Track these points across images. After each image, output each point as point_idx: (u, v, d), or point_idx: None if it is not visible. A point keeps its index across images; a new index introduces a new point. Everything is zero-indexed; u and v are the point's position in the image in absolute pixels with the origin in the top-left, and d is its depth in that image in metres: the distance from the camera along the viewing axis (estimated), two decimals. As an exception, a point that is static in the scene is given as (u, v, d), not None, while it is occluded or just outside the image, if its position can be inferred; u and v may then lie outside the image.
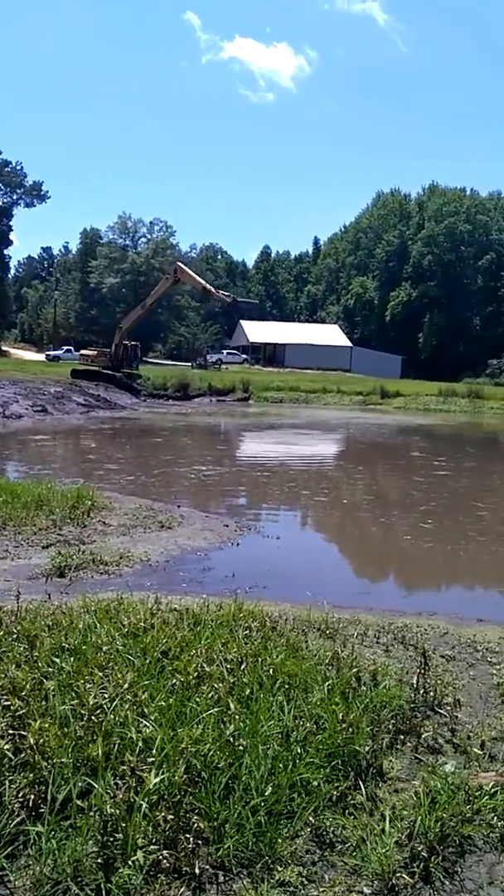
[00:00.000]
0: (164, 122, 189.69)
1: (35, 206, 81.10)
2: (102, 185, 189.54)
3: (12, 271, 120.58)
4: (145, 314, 49.35)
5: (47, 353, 74.05)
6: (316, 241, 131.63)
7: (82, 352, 50.86)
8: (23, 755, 3.27)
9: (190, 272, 47.70)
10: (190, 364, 66.31)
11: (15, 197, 79.11)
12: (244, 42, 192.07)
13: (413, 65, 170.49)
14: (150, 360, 75.28)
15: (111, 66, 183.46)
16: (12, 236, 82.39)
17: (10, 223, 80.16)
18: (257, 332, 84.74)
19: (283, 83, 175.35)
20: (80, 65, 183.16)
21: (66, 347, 73.70)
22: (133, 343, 47.41)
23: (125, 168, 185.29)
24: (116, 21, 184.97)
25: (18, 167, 78.18)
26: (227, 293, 47.11)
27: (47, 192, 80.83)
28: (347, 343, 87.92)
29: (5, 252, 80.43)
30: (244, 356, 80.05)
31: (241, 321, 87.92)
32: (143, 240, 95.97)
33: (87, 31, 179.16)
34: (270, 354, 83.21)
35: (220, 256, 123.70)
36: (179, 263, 50.74)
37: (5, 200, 78.65)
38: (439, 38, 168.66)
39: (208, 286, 45.62)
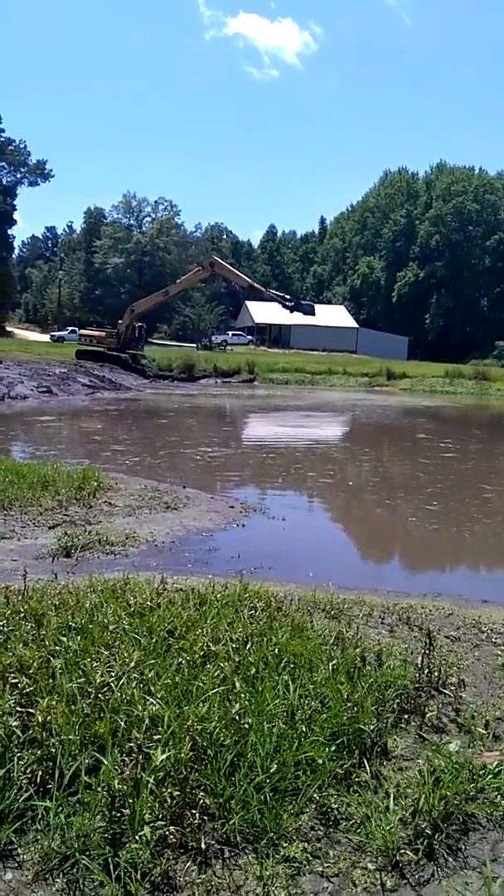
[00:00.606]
0: (168, 101, 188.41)
1: (39, 184, 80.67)
2: (106, 165, 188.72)
3: (16, 251, 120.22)
4: (164, 301, 47.69)
5: (52, 333, 73.99)
6: (322, 221, 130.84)
7: (81, 331, 50.69)
8: (31, 732, 3.30)
9: (229, 267, 45.69)
10: (195, 345, 66.22)
11: (19, 176, 78.63)
12: (248, 18, 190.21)
13: (420, 41, 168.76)
14: (155, 341, 75.16)
15: (114, 44, 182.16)
16: (16, 216, 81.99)
17: (14, 202, 79.74)
18: (262, 312, 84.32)
19: (288, 60, 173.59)
20: (83, 43, 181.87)
21: (70, 328, 73.55)
22: (139, 324, 47.24)
23: (129, 147, 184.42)
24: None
25: (22, 145, 77.68)
26: (285, 295, 43.24)
27: (51, 170, 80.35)
28: (353, 324, 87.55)
29: (9, 232, 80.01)
30: (249, 337, 79.88)
31: (247, 301, 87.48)
32: (148, 219, 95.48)
33: (89, 8, 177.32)
34: (276, 335, 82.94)
35: (225, 236, 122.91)
36: (216, 258, 48.15)
37: (9, 179, 78.17)
38: (446, 14, 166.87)
39: (256, 284, 43.13)
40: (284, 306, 40.44)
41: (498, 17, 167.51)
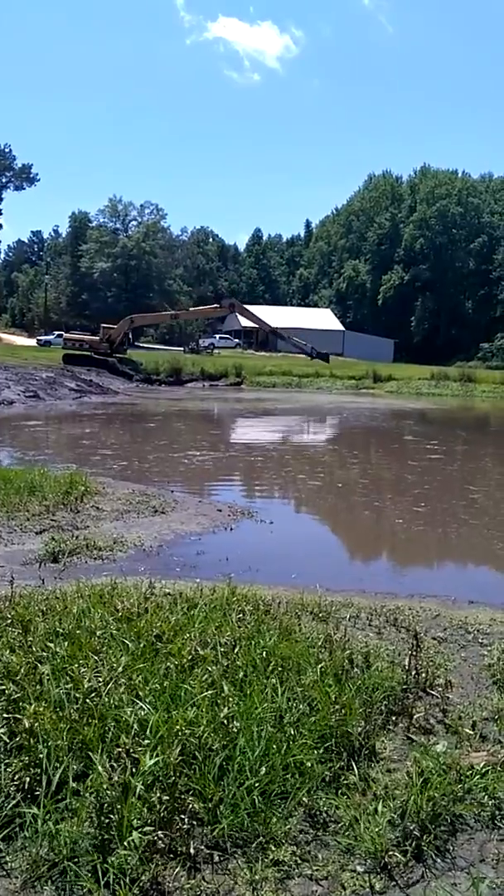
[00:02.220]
0: (151, 106, 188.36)
1: (24, 188, 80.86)
2: (92, 169, 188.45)
3: (2, 255, 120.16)
4: (169, 321, 50.18)
5: (38, 338, 73.54)
6: (308, 225, 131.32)
7: (67, 335, 50.55)
8: (18, 739, 3.29)
9: (250, 311, 48.30)
10: (182, 349, 66.10)
11: (4, 180, 78.46)
12: (228, 21, 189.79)
13: (401, 46, 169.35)
14: (142, 344, 74.99)
15: (96, 50, 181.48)
16: (1, 220, 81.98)
17: (0, 206, 79.43)
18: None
19: (269, 64, 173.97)
20: (65, 48, 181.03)
21: (57, 332, 73.20)
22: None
23: (114, 151, 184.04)
24: (99, 3, 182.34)
25: (7, 150, 77.54)
26: (307, 344, 46.14)
27: (37, 174, 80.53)
28: (340, 327, 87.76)
29: (-5, 236, 79.67)
30: (236, 341, 79.79)
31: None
32: (134, 223, 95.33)
33: (70, 13, 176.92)
34: (263, 339, 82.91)
35: (211, 240, 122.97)
36: (236, 301, 51.96)
37: (-5, 184, 77.93)
38: (425, 19, 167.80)
39: (278, 329, 46.31)
40: (306, 353, 45.19)
41: (476, 23, 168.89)
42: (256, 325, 67.87)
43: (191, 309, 51.15)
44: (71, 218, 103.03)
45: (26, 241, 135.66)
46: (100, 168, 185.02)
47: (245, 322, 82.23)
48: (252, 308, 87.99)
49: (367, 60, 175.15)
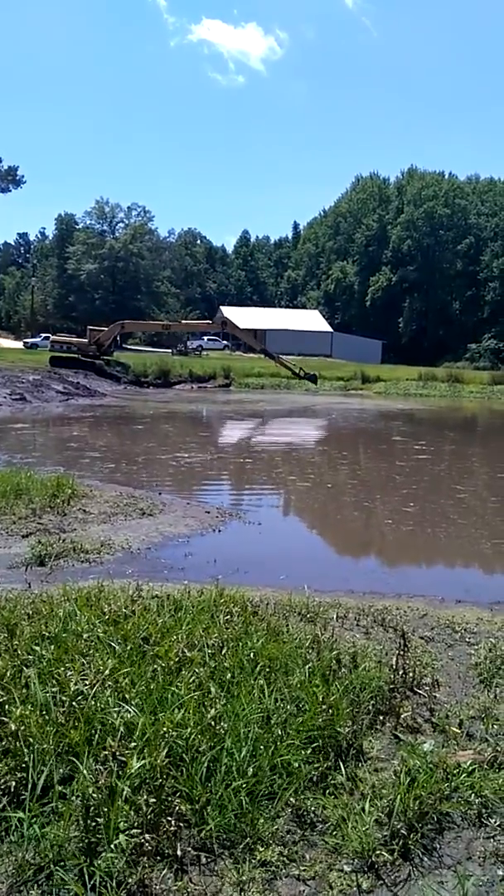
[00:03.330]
0: (136, 107, 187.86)
1: (10, 191, 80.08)
2: (79, 171, 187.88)
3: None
4: (160, 331, 51.35)
5: (25, 340, 73.25)
6: (296, 226, 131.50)
7: (54, 337, 50.41)
8: (4, 742, 3.28)
9: (241, 329, 49.24)
10: (170, 351, 65.91)
11: (-10, 182, 77.98)
12: (212, 24, 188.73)
13: (385, 48, 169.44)
14: (130, 346, 74.85)
15: (80, 51, 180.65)
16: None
17: (-14, 209, 78.96)
18: (237, 317, 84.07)
19: (253, 65, 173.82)
20: (48, 50, 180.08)
21: (44, 335, 72.91)
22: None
23: (100, 153, 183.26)
24: (83, 6, 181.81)
25: (-7, 152, 77.02)
26: (295, 365, 46.95)
27: (22, 176, 79.78)
28: (328, 328, 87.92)
29: (-19, 238, 79.22)
30: (224, 342, 79.76)
31: (222, 307, 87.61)
32: (121, 225, 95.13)
33: (53, 15, 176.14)
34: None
35: (199, 242, 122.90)
36: (229, 319, 53.50)
37: (-20, 186, 77.50)
38: (410, 21, 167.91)
39: (267, 350, 46.90)
40: (294, 374, 45.67)
41: (459, 25, 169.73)
42: (245, 328, 68.34)
43: (182, 321, 52.23)
44: (57, 220, 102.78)
45: (13, 243, 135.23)
46: (86, 170, 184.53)
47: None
48: (240, 310, 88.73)
49: (353, 62, 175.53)
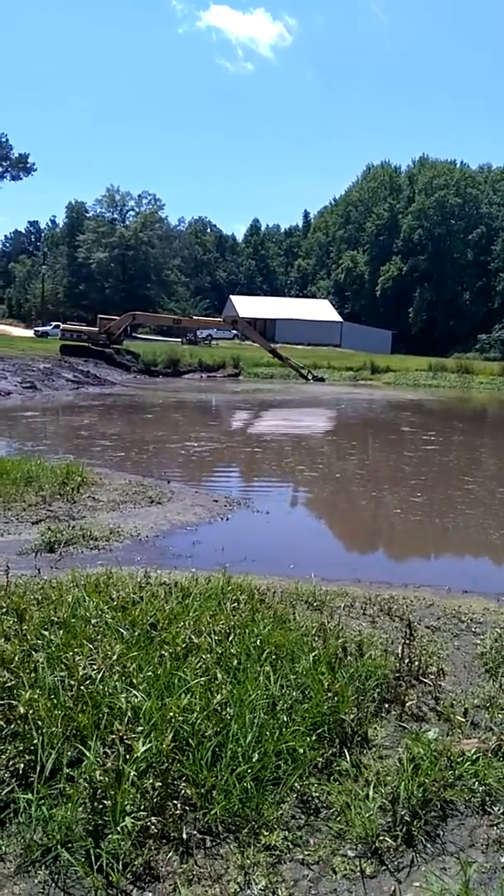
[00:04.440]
0: (146, 95, 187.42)
1: (21, 178, 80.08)
2: (89, 159, 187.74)
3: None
4: (171, 324, 52.05)
5: (36, 328, 73.37)
6: (306, 215, 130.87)
7: (64, 326, 50.45)
8: (13, 726, 3.32)
9: (253, 330, 49.71)
10: (180, 340, 65.83)
11: (0, 170, 77.92)
12: (220, 10, 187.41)
13: (396, 36, 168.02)
14: (139, 335, 74.84)
15: (90, 39, 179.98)
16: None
17: (-3, 197, 79.01)
18: (247, 307, 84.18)
19: (262, 52, 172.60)
20: (59, 38, 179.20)
21: (54, 323, 72.97)
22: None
23: (110, 141, 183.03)
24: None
25: (3, 139, 76.95)
26: (302, 366, 46.90)
27: (33, 164, 79.79)
28: (338, 318, 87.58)
29: (-8, 226, 79.25)
30: (234, 332, 79.57)
31: (231, 296, 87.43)
32: (132, 213, 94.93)
33: (61, 3, 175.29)
34: (260, 330, 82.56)
35: (209, 230, 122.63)
36: (241, 318, 54.45)
37: (-9, 174, 77.47)
38: (418, 8, 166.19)
39: (278, 350, 46.98)
40: (302, 376, 45.74)
41: (470, 13, 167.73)
42: (255, 317, 68.43)
43: (194, 317, 52.68)
44: (68, 208, 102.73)
45: (23, 231, 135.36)
46: (97, 158, 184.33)
47: (243, 312, 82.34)
48: (250, 299, 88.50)
49: (362, 49, 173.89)
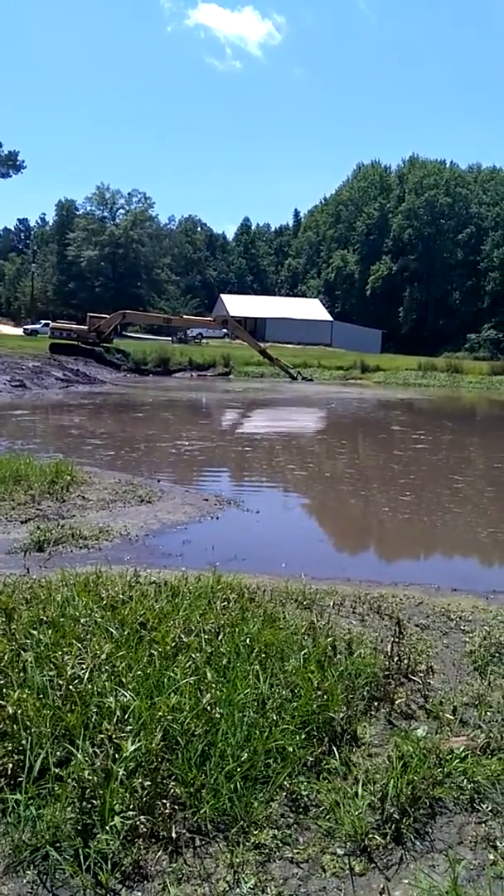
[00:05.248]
0: (135, 93, 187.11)
1: (10, 176, 79.79)
2: (78, 157, 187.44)
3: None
4: (161, 323, 52.28)
5: (25, 327, 73.02)
6: (296, 214, 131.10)
7: (53, 324, 50.24)
8: (1, 725, 3.30)
9: (243, 330, 50.34)
10: (170, 338, 65.77)
11: (-10, 167, 77.55)
12: (208, 8, 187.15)
13: (385, 34, 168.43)
14: (129, 334, 74.69)
15: (78, 36, 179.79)
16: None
17: (-14, 194, 78.59)
18: (238, 305, 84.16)
19: (251, 51, 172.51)
20: (47, 36, 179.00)
21: (44, 321, 72.66)
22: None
23: (100, 139, 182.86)
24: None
25: (-7, 136, 76.46)
26: (290, 367, 47.30)
27: (23, 161, 79.50)
28: (328, 317, 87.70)
29: (-19, 224, 78.88)
30: (224, 330, 79.53)
31: (222, 295, 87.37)
32: (122, 211, 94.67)
33: (50, 1, 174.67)
34: (251, 329, 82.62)
35: (199, 229, 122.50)
36: (231, 319, 54.48)
37: (-20, 171, 77.06)
38: (408, 6, 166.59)
39: (268, 351, 47.34)
40: (290, 376, 46.08)
41: (460, 9, 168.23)
42: (245, 316, 68.42)
43: (184, 316, 52.82)
44: (58, 206, 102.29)
45: (12, 228, 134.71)
46: (86, 156, 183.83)
47: (234, 311, 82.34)
48: (240, 298, 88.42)
49: (352, 48, 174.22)
